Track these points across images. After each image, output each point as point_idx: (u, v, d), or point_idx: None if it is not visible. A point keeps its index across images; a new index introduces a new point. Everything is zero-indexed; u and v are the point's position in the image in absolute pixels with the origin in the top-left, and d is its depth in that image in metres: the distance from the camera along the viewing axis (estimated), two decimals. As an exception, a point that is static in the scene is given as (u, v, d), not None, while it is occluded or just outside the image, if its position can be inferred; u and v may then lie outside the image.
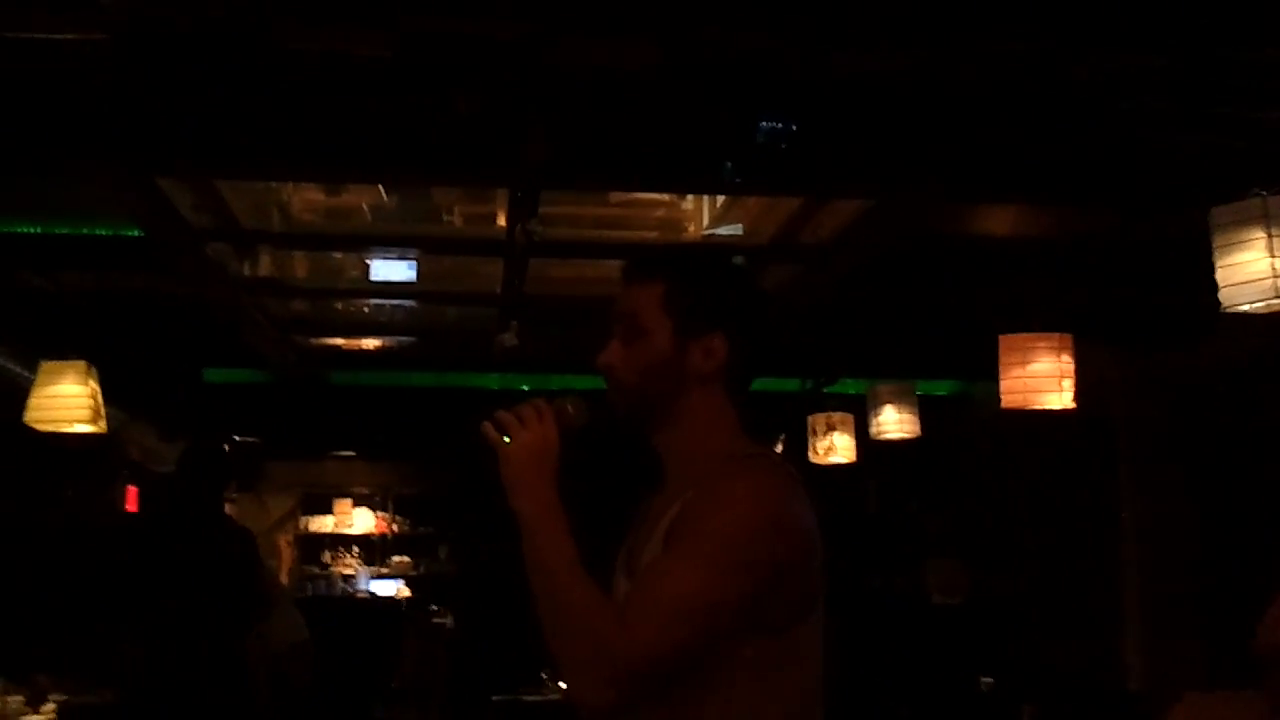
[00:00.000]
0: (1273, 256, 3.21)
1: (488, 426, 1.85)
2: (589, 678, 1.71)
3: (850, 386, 7.09)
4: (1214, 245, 3.33)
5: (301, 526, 11.90)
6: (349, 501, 11.96)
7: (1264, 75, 3.13)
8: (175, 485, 5.46)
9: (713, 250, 4.76)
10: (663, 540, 1.80)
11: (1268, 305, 3.29)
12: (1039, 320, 4.91)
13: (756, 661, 1.75)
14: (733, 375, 1.91)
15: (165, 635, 4.87)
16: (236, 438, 9.56)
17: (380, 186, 5.11)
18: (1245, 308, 3.32)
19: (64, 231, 4.63)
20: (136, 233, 4.41)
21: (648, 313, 1.89)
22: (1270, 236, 3.22)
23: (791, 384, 7.04)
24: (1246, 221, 3.26)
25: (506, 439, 1.84)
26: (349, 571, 11.74)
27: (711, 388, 1.90)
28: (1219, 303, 3.35)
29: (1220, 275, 3.32)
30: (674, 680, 1.73)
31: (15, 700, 5.90)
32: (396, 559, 11.80)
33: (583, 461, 1.94)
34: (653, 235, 5.44)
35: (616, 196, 5.25)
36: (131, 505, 8.51)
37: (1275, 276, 3.21)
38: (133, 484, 8.53)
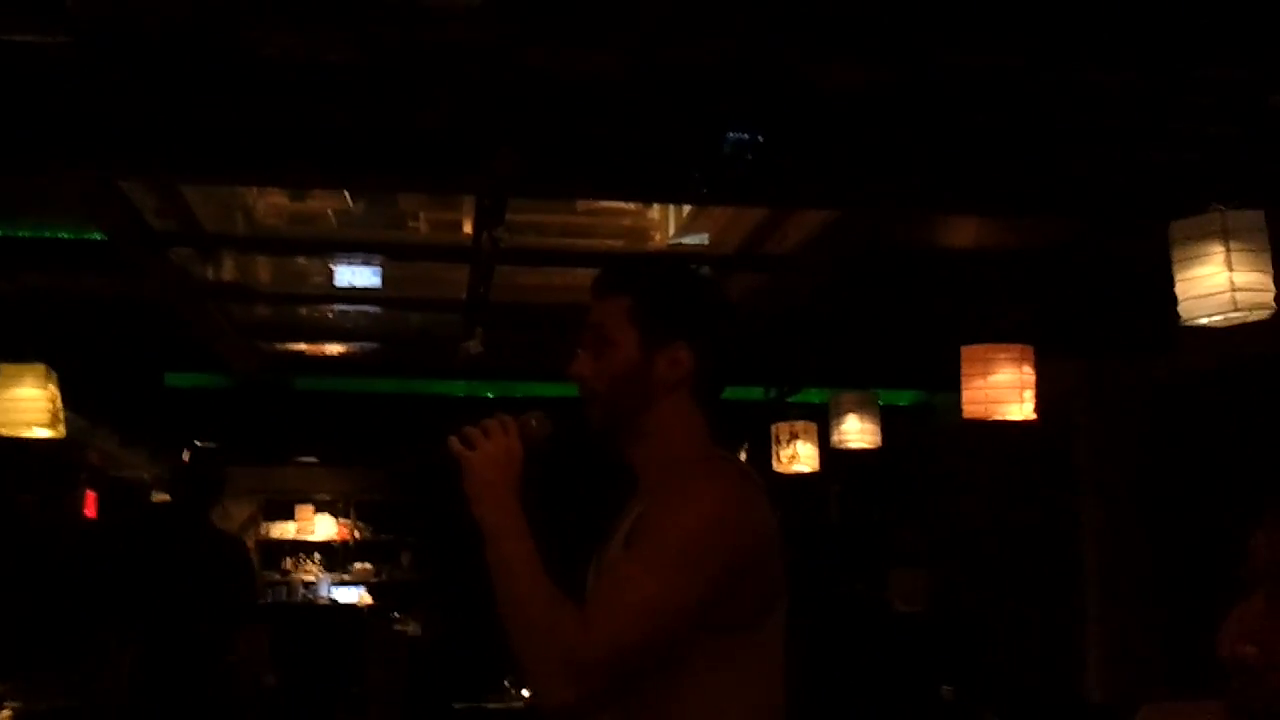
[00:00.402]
0: (1231, 271, 3.25)
1: (453, 441, 1.89)
2: (551, 681, 1.74)
3: (813, 395, 7.11)
4: (1173, 259, 3.37)
5: (263, 532, 11.81)
6: (311, 508, 11.88)
7: (1221, 92, 3.17)
8: (172, 493, 5.59)
9: (680, 261, 4.77)
10: (622, 544, 1.83)
11: (1226, 319, 3.33)
12: (1001, 331, 4.95)
13: (715, 660, 1.78)
14: (700, 384, 1.95)
15: (158, 641, 4.90)
16: (197, 443, 9.49)
17: (346, 192, 5.09)
18: (1204, 321, 3.36)
19: (25, 234, 4.59)
20: (99, 236, 4.37)
21: (615, 325, 1.93)
22: (1229, 251, 3.26)
23: (755, 393, 7.05)
24: (1205, 236, 3.30)
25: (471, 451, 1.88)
26: (310, 578, 11.66)
27: (679, 397, 1.94)
28: (1179, 316, 3.39)
29: (1180, 289, 3.36)
30: (634, 680, 1.75)
31: (-31, 708, 5.84)
32: (358, 566, 11.74)
33: (557, 471, 1.96)
34: (619, 244, 5.44)
35: (583, 205, 5.25)
36: (91, 511, 8.42)
37: (1234, 290, 3.25)
38: (92, 489, 8.45)
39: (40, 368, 5.13)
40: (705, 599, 1.75)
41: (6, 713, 5.93)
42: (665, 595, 1.73)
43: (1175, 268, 3.36)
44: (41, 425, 5.14)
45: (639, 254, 5.13)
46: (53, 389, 5.17)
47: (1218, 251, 3.27)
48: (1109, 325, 5.55)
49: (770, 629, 1.84)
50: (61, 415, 5.24)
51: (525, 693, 7.69)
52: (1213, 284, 3.28)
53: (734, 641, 1.79)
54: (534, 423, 1.92)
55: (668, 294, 1.97)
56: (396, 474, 10.38)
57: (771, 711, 1.86)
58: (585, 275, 2.04)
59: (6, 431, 5.14)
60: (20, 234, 4.59)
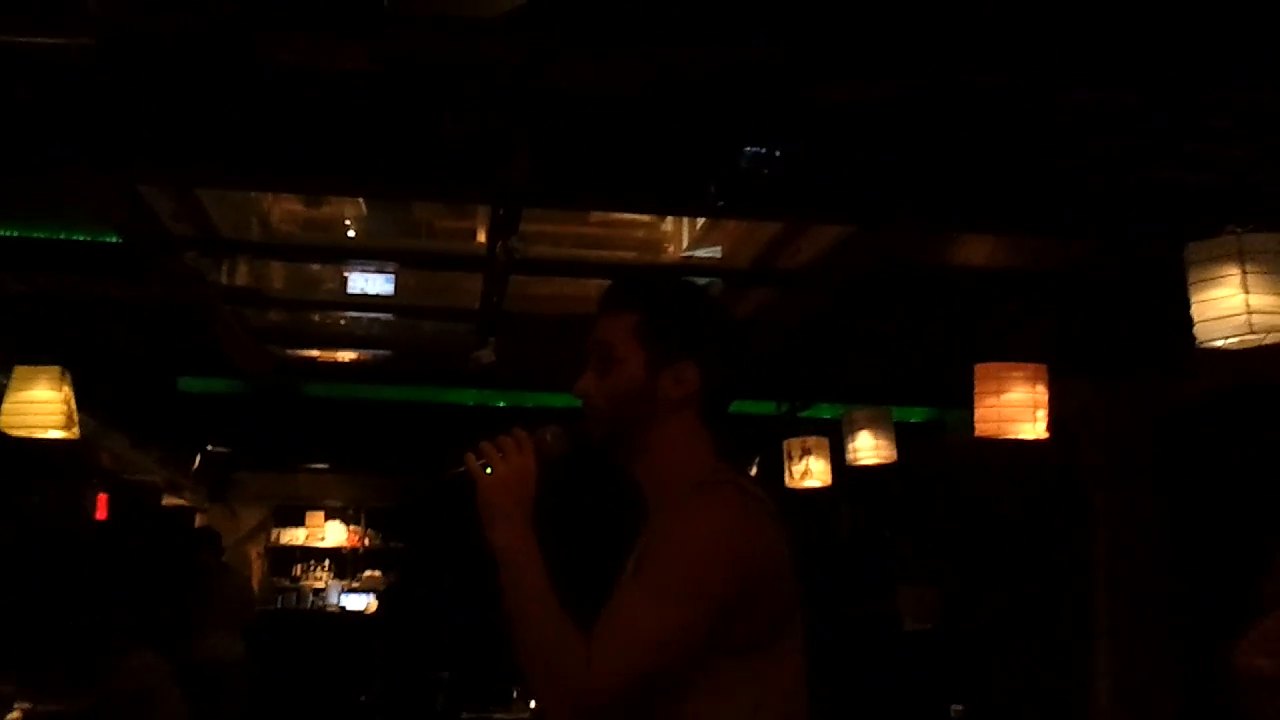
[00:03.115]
0: (1246, 293, 3.24)
1: (470, 457, 1.88)
2: (560, 709, 1.76)
3: (826, 411, 7.10)
4: (1189, 281, 3.36)
5: (273, 538, 11.84)
6: (321, 514, 11.90)
7: (1237, 114, 3.16)
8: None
9: (685, 277, 4.76)
10: (631, 572, 1.84)
11: (1241, 341, 3.31)
12: (1014, 350, 4.93)
13: (728, 681, 1.78)
14: (706, 401, 1.94)
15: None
16: (209, 447, 9.52)
17: (361, 200, 5.11)
18: (1219, 343, 3.34)
19: (42, 235, 4.60)
20: (115, 238, 4.39)
21: (621, 342, 1.92)
22: (1244, 273, 3.24)
23: (767, 408, 7.04)
24: (1221, 258, 3.28)
25: (488, 469, 1.87)
26: (320, 585, 11.68)
27: (683, 414, 1.93)
28: (1194, 337, 3.38)
29: (1195, 310, 3.34)
30: (646, 705, 1.75)
31: (-22, 707, 5.85)
32: (368, 573, 11.74)
33: (573, 488, 1.95)
34: (632, 255, 5.44)
35: (597, 216, 5.26)
36: (102, 513, 8.45)
37: (1249, 313, 3.23)
38: (104, 491, 8.48)
39: (55, 370, 5.14)
40: (712, 624, 1.75)
41: (16, 714, 5.93)
42: (663, 628, 1.73)
43: (1191, 289, 3.35)
44: (56, 427, 5.15)
45: (647, 268, 5.12)
46: (67, 391, 5.18)
47: (1233, 274, 3.25)
48: (1123, 346, 5.53)
49: (786, 647, 1.84)
50: (76, 417, 5.25)
51: (533, 704, 7.68)
52: (1228, 306, 3.26)
53: (747, 662, 1.79)
54: (549, 438, 1.91)
55: (675, 311, 1.96)
56: (406, 481, 10.39)
57: None
58: (598, 286, 2.04)
59: (21, 432, 5.16)
60: (36, 235, 4.60)
